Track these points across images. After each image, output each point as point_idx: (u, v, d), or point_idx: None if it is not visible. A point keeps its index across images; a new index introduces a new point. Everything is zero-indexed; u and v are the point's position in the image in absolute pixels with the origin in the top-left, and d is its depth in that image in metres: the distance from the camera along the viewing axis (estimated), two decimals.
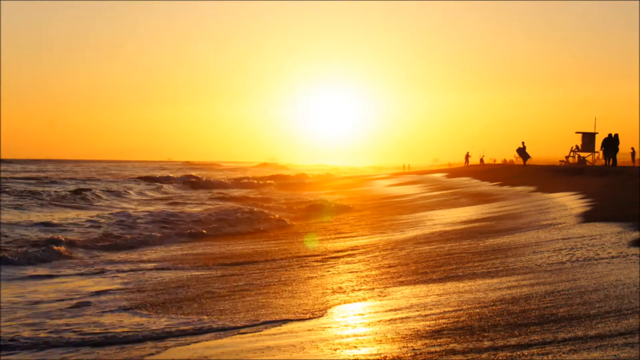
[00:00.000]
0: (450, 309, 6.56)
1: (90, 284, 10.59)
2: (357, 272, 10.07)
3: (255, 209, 25.96)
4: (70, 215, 25.01)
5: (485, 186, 31.83)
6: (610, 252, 8.66)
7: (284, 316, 7.30)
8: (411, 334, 5.69)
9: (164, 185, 48.59)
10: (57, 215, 24.32)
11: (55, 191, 35.76)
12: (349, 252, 12.57)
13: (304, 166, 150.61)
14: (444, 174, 56.33)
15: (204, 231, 19.18)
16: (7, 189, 35.30)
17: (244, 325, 7.03)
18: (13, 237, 16.81)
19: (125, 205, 31.28)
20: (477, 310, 6.34)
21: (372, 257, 11.44)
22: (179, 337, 6.74)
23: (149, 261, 13.32)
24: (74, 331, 7.24)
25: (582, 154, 48.56)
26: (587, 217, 12.97)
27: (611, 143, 38.87)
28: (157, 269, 12.10)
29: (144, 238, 17.38)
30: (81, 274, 11.72)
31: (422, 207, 24.09)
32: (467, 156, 76.03)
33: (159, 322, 7.46)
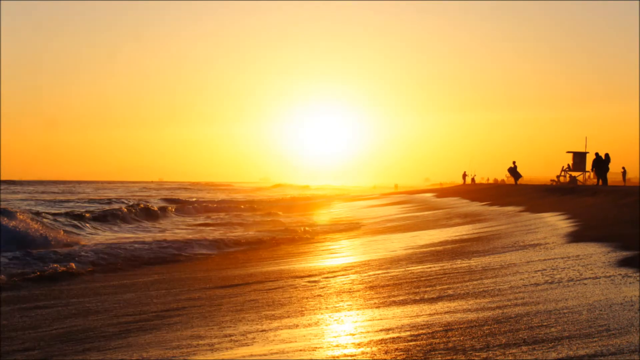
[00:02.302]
0: (442, 328, 6.55)
1: None
2: (349, 291, 10.05)
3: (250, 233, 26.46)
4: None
5: (474, 206, 31.90)
6: (598, 272, 8.69)
7: (277, 338, 7.27)
8: (402, 354, 5.67)
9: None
10: None
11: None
12: (342, 272, 12.56)
13: (313, 187, 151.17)
14: (433, 194, 56.45)
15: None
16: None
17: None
18: None
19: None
20: (469, 329, 6.33)
21: (364, 277, 11.43)
22: None
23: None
24: None
25: (573, 174, 48.77)
26: (576, 237, 13.01)
27: (602, 162, 39.08)
28: None
29: None
30: None
31: (412, 226, 24.13)
32: (465, 175, 76.50)
33: None
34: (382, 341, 6.33)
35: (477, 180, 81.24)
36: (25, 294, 13.13)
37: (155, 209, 42.83)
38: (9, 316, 10.63)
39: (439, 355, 5.49)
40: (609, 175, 39.74)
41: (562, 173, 49.54)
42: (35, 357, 7.64)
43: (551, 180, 51.45)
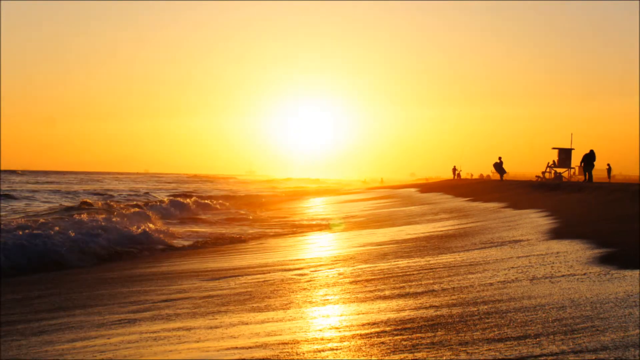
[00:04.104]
0: (427, 323, 6.58)
1: None
2: (335, 285, 10.07)
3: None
4: None
5: (457, 202, 32.02)
6: (577, 270, 8.76)
7: (262, 331, 7.28)
8: (388, 349, 5.70)
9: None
10: None
11: None
12: (329, 266, 12.60)
13: (314, 179, 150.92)
14: (417, 189, 56.58)
15: None
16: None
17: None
18: None
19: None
20: (454, 324, 6.37)
21: (351, 270, 11.46)
22: None
23: None
24: None
25: (559, 170, 48.98)
26: (557, 234, 13.08)
27: (591, 159, 39.28)
28: None
29: None
30: None
31: (397, 221, 24.19)
32: (454, 170, 76.45)
33: None
34: (367, 335, 6.35)
35: (463, 176, 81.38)
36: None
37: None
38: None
39: (425, 350, 5.51)
40: (593, 172, 39.92)
41: (548, 169, 49.77)
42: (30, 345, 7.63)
43: (536, 177, 51.66)
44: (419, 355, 5.37)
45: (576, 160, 43.42)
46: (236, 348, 6.45)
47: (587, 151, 39.62)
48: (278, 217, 34.46)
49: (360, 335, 6.40)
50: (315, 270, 12.05)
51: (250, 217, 35.16)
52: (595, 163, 39.43)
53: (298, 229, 26.01)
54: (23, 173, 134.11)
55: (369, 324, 6.90)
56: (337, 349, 5.91)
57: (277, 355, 5.87)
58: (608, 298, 6.83)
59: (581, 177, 42.70)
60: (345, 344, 6.09)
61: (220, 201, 49.25)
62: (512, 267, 9.61)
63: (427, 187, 57.29)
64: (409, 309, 7.45)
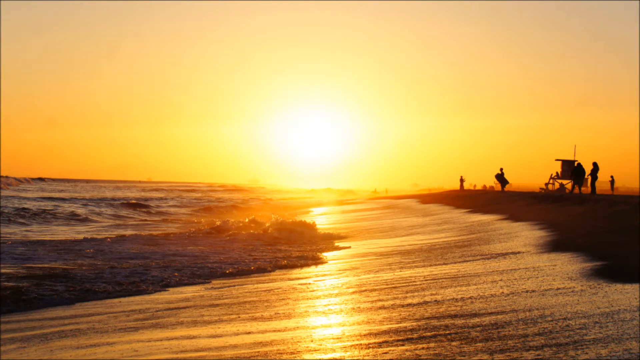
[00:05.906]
0: (429, 334, 6.60)
1: None
2: (339, 295, 10.10)
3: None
4: None
5: (456, 213, 31.93)
6: (579, 282, 8.80)
7: (264, 340, 7.31)
8: (390, 359, 5.71)
9: None
10: None
11: None
12: (333, 275, 12.63)
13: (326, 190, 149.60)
14: (417, 200, 56.54)
15: None
16: None
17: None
18: None
19: None
20: (456, 336, 6.38)
21: (354, 280, 11.48)
22: None
23: None
24: None
25: (562, 182, 48.91)
26: (556, 246, 13.07)
27: (582, 172, 39.43)
28: None
29: None
30: None
31: (399, 231, 24.20)
32: (462, 180, 75.82)
33: None
34: (369, 345, 6.37)
35: (465, 187, 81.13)
36: None
37: None
38: None
39: None
40: (597, 184, 39.89)
41: (551, 181, 49.69)
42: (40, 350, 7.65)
43: (540, 188, 51.56)
44: None
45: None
46: (237, 357, 6.47)
47: (585, 163, 39.75)
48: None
49: (363, 345, 6.42)
50: (320, 280, 12.08)
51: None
52: (598, 175, 39.41)
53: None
54: (47, 181, 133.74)
55: (371, 334, 6.92)
56: (340, 359, 5.92)
57: None
58: (609, 311, 6.85)
59: (585, 190, 42.51)
60: (348, 354, 6.11)
61: None
62: (513, 279, 9.63)
63: (428, 198, 57.25)
64: (411, 319, 7.46)
